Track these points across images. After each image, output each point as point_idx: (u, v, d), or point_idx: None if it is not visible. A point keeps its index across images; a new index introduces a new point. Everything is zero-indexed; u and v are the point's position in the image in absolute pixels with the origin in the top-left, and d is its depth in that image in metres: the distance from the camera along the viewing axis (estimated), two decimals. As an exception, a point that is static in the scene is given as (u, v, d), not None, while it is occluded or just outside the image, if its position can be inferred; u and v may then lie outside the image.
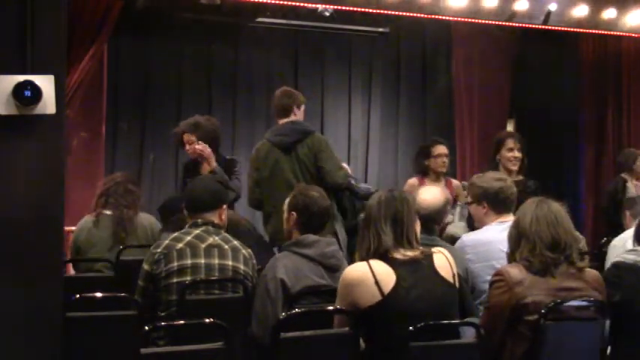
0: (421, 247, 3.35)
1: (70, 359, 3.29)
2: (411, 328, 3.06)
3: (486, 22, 7.55)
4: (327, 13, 7.69)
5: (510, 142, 5.93)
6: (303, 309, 3.42)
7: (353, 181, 5.43)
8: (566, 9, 7.59)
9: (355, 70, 9.30)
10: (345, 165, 5.74)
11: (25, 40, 3.09)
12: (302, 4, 7.10)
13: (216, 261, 3.84)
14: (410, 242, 3.31)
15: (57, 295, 3.19)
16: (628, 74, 8.83)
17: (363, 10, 7.12)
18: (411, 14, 7.23)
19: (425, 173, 6.28)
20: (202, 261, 3.82)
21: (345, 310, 3.26)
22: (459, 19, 7.50)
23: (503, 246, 3.87)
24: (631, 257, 3.55)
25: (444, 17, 7.37)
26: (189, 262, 3.80)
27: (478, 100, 9.09)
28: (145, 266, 3.85)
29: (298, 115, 5.64)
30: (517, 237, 3.41)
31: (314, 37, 8.92)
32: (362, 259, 3.30)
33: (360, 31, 8.99)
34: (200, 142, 5.66)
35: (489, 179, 4.33)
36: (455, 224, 5.39)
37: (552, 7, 7.45)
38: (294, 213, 3.85)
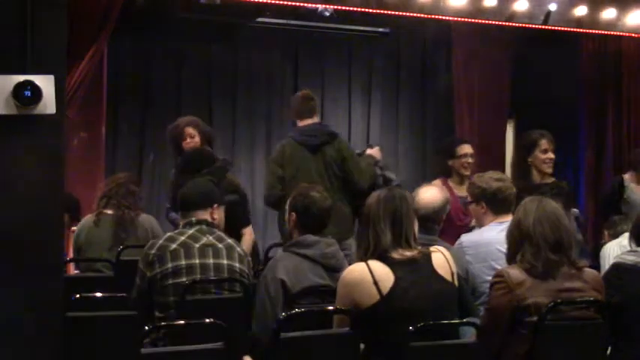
0: (419, 247, 3.34)
1: (70, 359, 3.29)
2: (410, 328, 3.05)
3: (486, 22, 7.55)
4: (327, 13, 7.68)
5: (544, 143, 5.57)
6: (303, 309, 3.42)
7: (379, 171, 5.52)
8: (566, 9, 7.58)
9: (355, 70, 9.30)
10: (375, 150, 5.76)
11: (25, 40, 3.09)
12: (302, 4, 7.10)
13: (210, 260, 3.85)
14: (408, 242, 3.30)
15: (57, 295, 3.19)
16: (628, 74, 8.82)
17: (363, 10, 7.11)
18: (411, 14, 7.22)
19: (448, 174, 5.85)
20: (197, 261, 3.82)
21: (345, 310, 3.26)
22: (459, 19, 7.50)
23: (502, 246, 3.88)
24: (631, 258, 3.56)
25: (444, 17, 7.37)
26: (183, 262, 3.80)
27: (478, 100, 9.07)
28: (141, 266, 3.87)
29: (316, 118, 5.70)
30: (519, 238, 3.38)
31: (314, 37, 8.92)
32: (360, 259, 3.30)
33: (360, 31, 8.99)
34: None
35: (488, 179, 4.32)
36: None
37: (552, 7, 7.44)
38: (293, 214, 3.85)
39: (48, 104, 3.10)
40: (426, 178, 7.44)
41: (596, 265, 4.44)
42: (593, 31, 8.03)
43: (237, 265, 3.91)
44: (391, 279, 3.20)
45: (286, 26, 8.55)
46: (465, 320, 3.39)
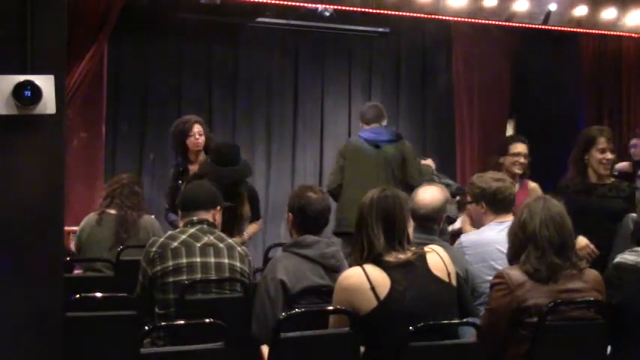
0: (413, 248, 3.31)
1: (70, 359, 3.29)
2: (410, 328, 3.05)
3: (486, 22, 7.55)
4: (327, 13, 7.69)
5: (602, 142, 5.08)
6: (303, 309, 3.42)
7: (437, 179, 5.74)
8: (566, 9, 7.59)
9: (355, 70, 9.30)
10: (429, 161, 6.16)
11: (25, 40, 3.09)
12: (302, 4, 7.10)
13: (212, 259, 3.85)
14: (402, 244, 3.28)
15: (57, 295, 3.19)
16: (628, 74, 8.83)
17: (363, 10, 7.12)
18: (411, 14, 7.23)
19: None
20: (198, 260, 3.82)
21: (345, 310, 3.25)
22: (459, 19, 7.50)
23: (502, 246, 3.87)
24: (631, 258, 3.55)
25: (444, 17, 7.37)
26: (184, 261, 3.80)
27: (478, 100, 9.08)
28: (142, 263, 3.88)
29: (384, 123, 6.14)
30: (524, 240, 3.35)
31: (314, 37, 8.93)
32: (356, 263, 3.29)
33: (360, 31, 9.00)
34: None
35: (488, 179, 4.32)
36: None
37: (552, 7, 7.45)
38: (290, 214, 3.85)
39: (48, 104, 3.09)
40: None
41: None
42: (593, 31, 8.04)
43: (238, 264, 3.91)
44: (387, 284, 3.18)
45: (286, 26, 8.56)
46: (464, 320, 3.38)
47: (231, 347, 3.01)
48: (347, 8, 7.21)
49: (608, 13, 7.69)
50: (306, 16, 8.13)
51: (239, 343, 3.29)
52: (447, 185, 5.56)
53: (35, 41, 3.10)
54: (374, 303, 3.17)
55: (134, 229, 5.04)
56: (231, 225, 4.89)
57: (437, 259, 3.33)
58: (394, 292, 3.17)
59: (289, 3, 6.98)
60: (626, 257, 3.58)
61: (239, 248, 3.98)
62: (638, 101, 8.83)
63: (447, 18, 7.45)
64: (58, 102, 3.12)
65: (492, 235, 4.11)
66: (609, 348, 3.46)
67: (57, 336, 3.17)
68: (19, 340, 3.11)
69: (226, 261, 3.88)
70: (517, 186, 5.33)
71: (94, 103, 7.46)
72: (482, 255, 4.08)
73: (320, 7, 7.38)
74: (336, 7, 7.30)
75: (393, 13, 7.19)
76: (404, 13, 7.19)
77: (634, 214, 4.56)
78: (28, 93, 3.05)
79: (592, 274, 3.41)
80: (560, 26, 7.69)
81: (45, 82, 3.08)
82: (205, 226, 3.94)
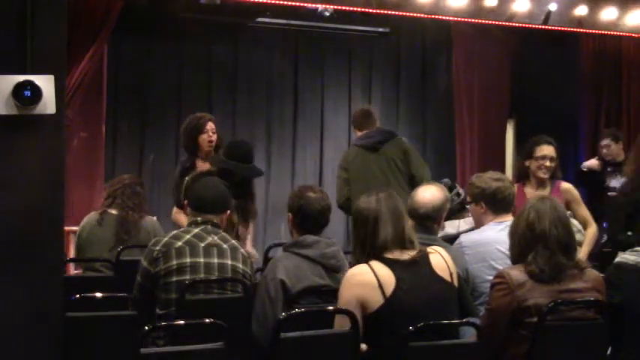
0: (417, 247, 3.33)
1: (70, 359, 3.29)
2: (410, 328, 3.05)
3: (486, 22, 7.56)
4: (327, 13, 7.69)
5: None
6: (303, 309, 3.42)
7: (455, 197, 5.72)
8: (566, 9, 7.59)
9: (355, 70, 9.30)
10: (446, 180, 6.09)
11: (25, 40, 3.09)
12: (302, 4, 7.10)
13: (215, 260, 3.84)
14: (405, 242, 3.30)
15: (57, 295, 3.19)
16: (628, 74, 8.84)
17: (363, 10, 7.12)
18: (411, 14, 7.23)
19: (526, 178, 5.30)
20: (201, 260, 3.82)
21: (345, 310, 3.25)
22: (459, 19, 7.51)
23: (502, 246, 3.88)
24: (632, 258, 3.55)
25: (444, 17, 7.38)
26: (188, 260, 3.79)
27: (478, 100, 9.08)
28: (144, 263, 3.85)
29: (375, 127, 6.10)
30: (531, 240, 3.33)
31: (314, 37, 8.93)
32: (357, 261, 3.29)
33: (360, 31, 9.00)
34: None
35: (487, 179, 4.32)
36: None
37: (552, 7, 7.45)
38: (290, 214, 3.85)
39: (48, 104, 3.09)
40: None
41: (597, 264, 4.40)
42: (593, 31, 8.04)
43: (240, 265, 3.90)
44: (393, 282, 3.19)
45: (286, 26, 8.56)
46: (464, 320, 3.38)
47: (231, 347, 3.01)
48: (347, 8, 7.22)
49: (608, 13, 7.69)
50: (306, 16, 8.13)
51: (239, 343, 3.30)
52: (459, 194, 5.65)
53: (35, 41, 3.10)
54: (380, 301, 3.18)
55: (135, 230, 5.03)
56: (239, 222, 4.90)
57: (440, 259, 3.35)
58: (399, 290, 3.18)
59: (289, 3, 6.98)
60: (627, 257, 3.58)
61: (242, 250, 3.98)
62: (638, 101, 8.83)
63: (447, 18, 7.46)
64: (58, 102, 3.12)
65: (492, 235, 4.11)
66: (609, 349, 3.46)
67: (57, 336, 3.16)
68: (19, 340, 3.11)
69: (229, 262, 3.87)
70: (548, 189, 5.20)
71: (94, 103, 7.46)
72: (483, 255, 4.08)
73: (320, 7, 7.38)
74: (336, 7, 7.30)
75: (393, 13, 7.19)
76: (404, 13, 7.20)
77: None
78: (28, 93, 3.05)
79: (593, 274, 3.41)
80: (560, 26, 7.70)
81: (45, 82, 3.08)
82: (209, 227, 3.93)
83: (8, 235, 3.11)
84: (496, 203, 4.24)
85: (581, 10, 7.61)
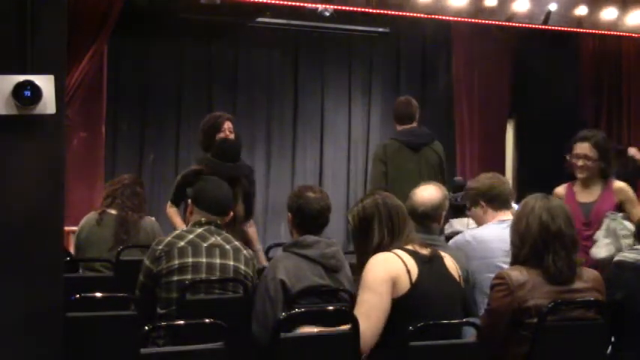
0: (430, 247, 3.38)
1: (70, 359, 3.29)
2: (410, 328, 3.05)
3: (486, 22, 7.56)
4: (327, 13, 7.70)
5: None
6: (303, 309, 3.42)
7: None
8: (566, 9, 7.59)
9: (355, 70, 9.31)
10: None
11: (25, 40, 3.09)
12: (302, 4, 7.11)
13: (217, 260, 3.85)
14: (421, 240, 3.38)
15: (57, 295, 3.19)
16: (628, 74, 8.84)
17: (363, 10, 7.12)
18: (411, 14, 7.23)
19: (574, 176, 4.82)
20: (204, 260, 3.82)
21: (345, 310, 3.25)
22: (459, 19, 7.51)
23: (504, 245, 3.87)
24: (632, 256, 3.55)
25: (444, 17, 7.38)
26: (190, 260, 3.80)
27: (478, 100, 9.09)
28: (147, 262, 3.86)
29: (415, 124, 5.95)
30: (549, 240, 3.29)
31: (314, 37, 8.93)
32: (373, 252, 3.27)
33: (360, 31, 9.01)
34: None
35: (481, 178, 4.41)
36: (599, 243, 4.47)
37: (552, 7, 7.45)
38: (289, 214, 3.86)
39: (48, 104, 3.09)
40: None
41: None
42: (593, 31, 8.04)
43: (242, 267, 3.90)
44: (416, 270, 3.21)
45: (286, 26, 8.57)
46: (465, 320, 3.39)
47: (232, 347, 3.01)
48: (347, 8, 7.22)
49: (608, 13, 7.69)
50: (306, 16, 8.14)
51: (239, 343, 3.30)
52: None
53: (35, 41, 3.10)
54: (408, 285, 3.18)
55: (134, 230, 5.03)
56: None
57: (450, 261, 3.40)
58: (423, 279, 3.20)
59: (289, 3, 6.98)
60: (627, 255, 3.58)
61: (245, 251, 3.98)
62: (638, 101, 8.83)
63: (447, 18, 7.46)
64: (58, 102, 3.12)
65: (495, 233, 4.11)
66: (609, 348, 3.46)
67: (57, 336, 3.16)
68: (19, 340, 3.11)
69: (231, 263, 3.87)
70: (598, 188, 4.73)
71: (94, 103, 7.46)
72: (485, 252, 4.09)
73: (320, 7, 7.38)
74: (336, 7, 7.31)
75: (393, 13, 7.19)
76: (404, 13, 7.20)
77: None
78: (28, 93, 3.04)
79: (592, 274, 3.41)
80: (560, 26, 7.70)
81: (45, 82, 3.08)
82: (213, 227, 3.94)
83: (8, 235, 3.11)
84: (493, 199, 4.26)
85: (581, 10, 7.61)
